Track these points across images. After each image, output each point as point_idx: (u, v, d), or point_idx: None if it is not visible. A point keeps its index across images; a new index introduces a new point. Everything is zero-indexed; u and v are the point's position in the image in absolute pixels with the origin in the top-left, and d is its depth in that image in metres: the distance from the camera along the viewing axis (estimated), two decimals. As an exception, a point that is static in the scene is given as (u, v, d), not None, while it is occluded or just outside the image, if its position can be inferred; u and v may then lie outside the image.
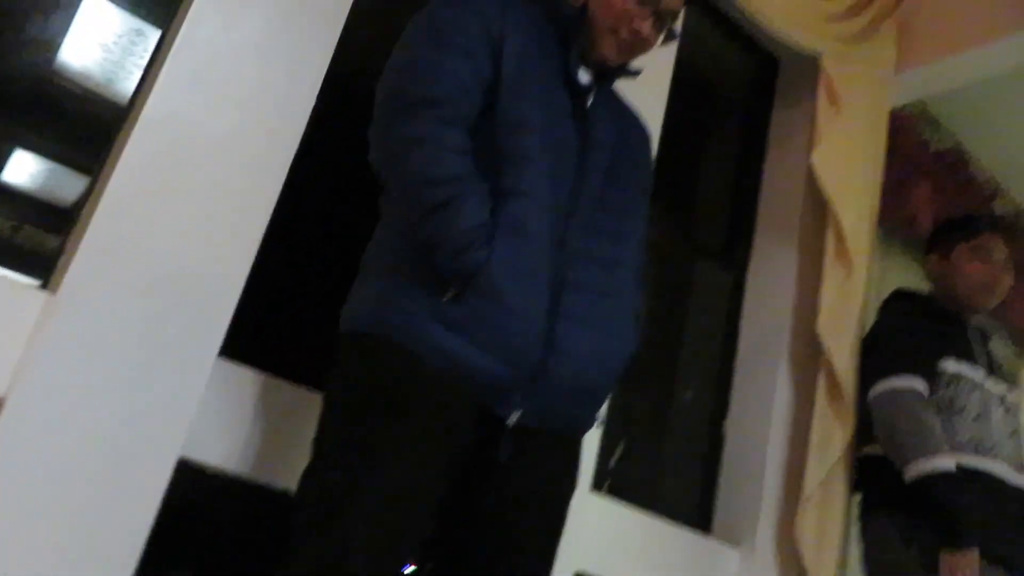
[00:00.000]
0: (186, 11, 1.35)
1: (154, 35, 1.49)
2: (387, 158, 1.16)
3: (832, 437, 2.05)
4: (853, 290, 2.17)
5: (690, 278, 2.50)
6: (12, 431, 1.10)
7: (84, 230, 1.21)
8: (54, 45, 1.45)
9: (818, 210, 2.32)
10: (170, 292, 1.25)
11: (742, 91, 2.71)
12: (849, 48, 2.35)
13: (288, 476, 1.17)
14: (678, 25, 1.40)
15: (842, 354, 2.10)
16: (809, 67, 2.41)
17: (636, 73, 1.39)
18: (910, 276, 2.81)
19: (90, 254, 1.19)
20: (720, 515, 2.18)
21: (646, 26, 1.31)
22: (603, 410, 1.28)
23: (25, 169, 1.46)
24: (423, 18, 1.23)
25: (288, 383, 1.39)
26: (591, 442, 1.73)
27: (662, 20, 1.33)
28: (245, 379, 1.35)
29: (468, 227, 1.08)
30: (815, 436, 2.07)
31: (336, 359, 1.17)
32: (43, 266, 1.30)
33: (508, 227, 1.11)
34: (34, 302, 1.16)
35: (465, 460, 1.13)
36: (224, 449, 1.31)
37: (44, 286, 1.25)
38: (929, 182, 2.92)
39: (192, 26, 1.33)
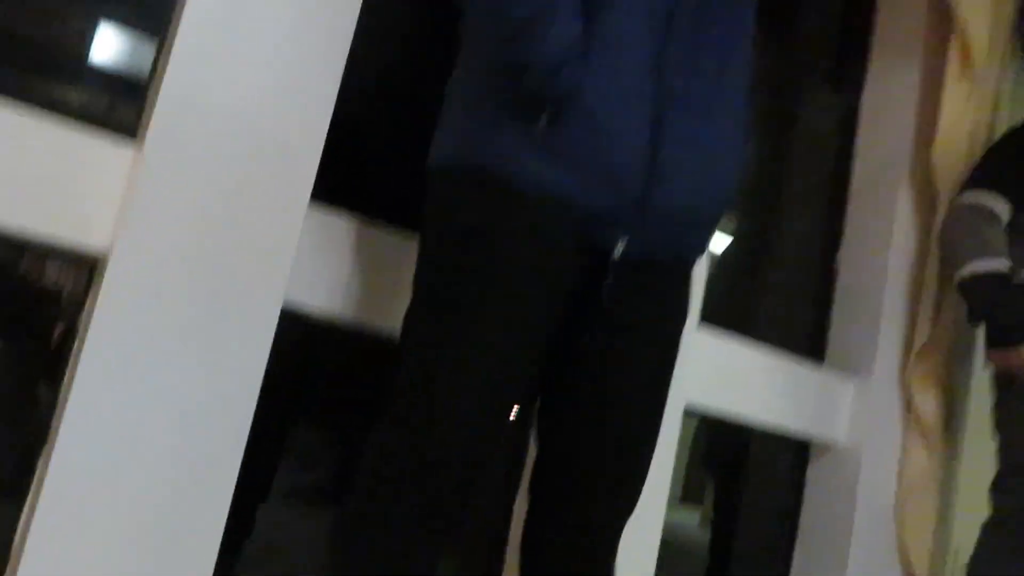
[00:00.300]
0: None
1: None
2: None
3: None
4: (976, 112, 1.94)
5: (799, 100, 2.30)
6: (118, 284, 1.10)
7: (161, 79, 1.16)
8: None
9: (945, 24, 2.04)
10: (255, 136, 1.20)
11: None
12: None
13: (392, 319, 1.15)
14: None
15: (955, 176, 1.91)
16: None
17: None
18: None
19: (169, 104, 1.15)
20: (833, 346, 2.10)
21: None
22: (711, 239, 1.20)
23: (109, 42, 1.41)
24: None
25: (384, 226, 1.35)
26: (699, 273, 1.65)
27: None
28: (340, 224, 1.32)
29: (558, 45, 0.98)
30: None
31: (427, 197, 1.11)
32: (130, 121, 1.26)
33: (602, 41, 1.00)
34: (123, 158, 1.14)
35: (569, 295, 1.08)
36: (326, 296, 1.30)
37: (131, 140, 1.22)
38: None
39: None
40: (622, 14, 1.02)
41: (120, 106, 1.39)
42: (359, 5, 1.30)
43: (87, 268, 1.19)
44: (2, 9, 1.28)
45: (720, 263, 2.16)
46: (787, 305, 2.21)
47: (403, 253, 1.26)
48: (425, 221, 1.12)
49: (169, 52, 1.17)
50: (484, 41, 1.10)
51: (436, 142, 1.13)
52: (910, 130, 2.10)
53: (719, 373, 1.80)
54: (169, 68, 1.15)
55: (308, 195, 1.25)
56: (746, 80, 1.22)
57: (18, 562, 1.03)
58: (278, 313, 1.21)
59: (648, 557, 1.62)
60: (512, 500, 1.51)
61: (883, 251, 2.06)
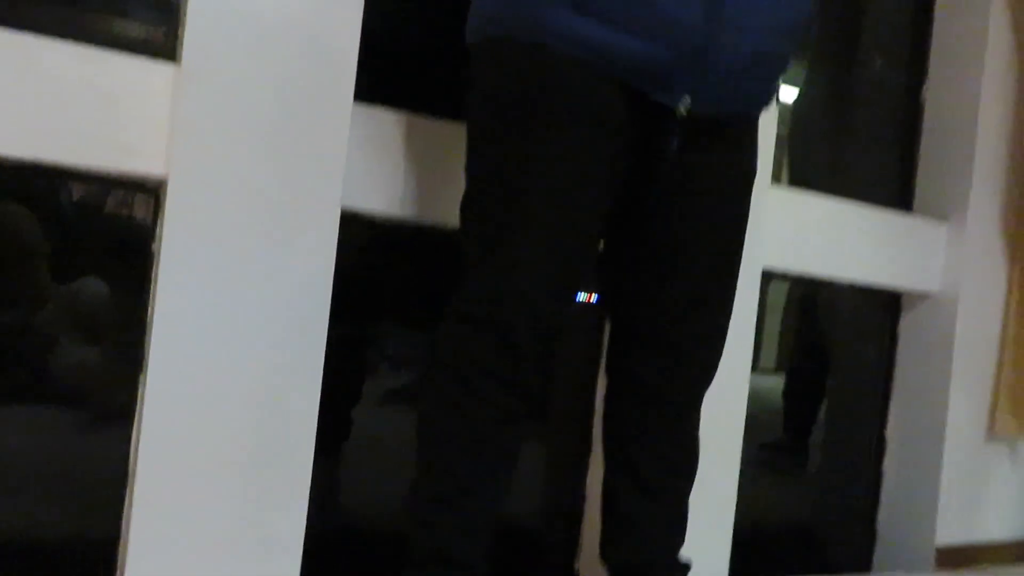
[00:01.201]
0: None
1: None
2: None
3: None
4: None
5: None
6: (180, 207, 1.12)
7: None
8: None
9: None
10: (288, 42, 1.17)
11: None
12: None
13: (450, 211, 1.13)
14: None
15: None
16: None
17: None
18: None
19: (201, 19, 1.12)
20: (922, 191, 1.98)
21: None
22: (780, 85, 1.12)
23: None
24: None
25: (435, 119, 1.32)
26: (768, 128, 1.55)
27: None
28: (388, 120, 1.29)
29: None
30: None
31: (469, 76, 1.07)
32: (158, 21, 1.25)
33: None
34: (164, 80, 1.13)
35: (630, 155, 1.03)
36: (383, 195, 1.29)
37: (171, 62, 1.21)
38: None
39: None
40: None
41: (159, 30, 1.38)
42: None
43: (152, 195, 1.22)
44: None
45: (793, 110, 2.03)
46: (870, 151, 2.07)
47: (454, 142, 1.23)
48: (469, 101, 1.08)
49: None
50: None
51: (472, 14, 1.08)
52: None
53: (797, 233, 1.72)
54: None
55: (351, 95, 1.22)
56: None
57: (134, 479, 1.11)
58: (338, 215, 1.21)
59: (735, 425, 1.62)
60: (593, 379, 1.51)
61: (975, 77, 1.89)
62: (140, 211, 1.40)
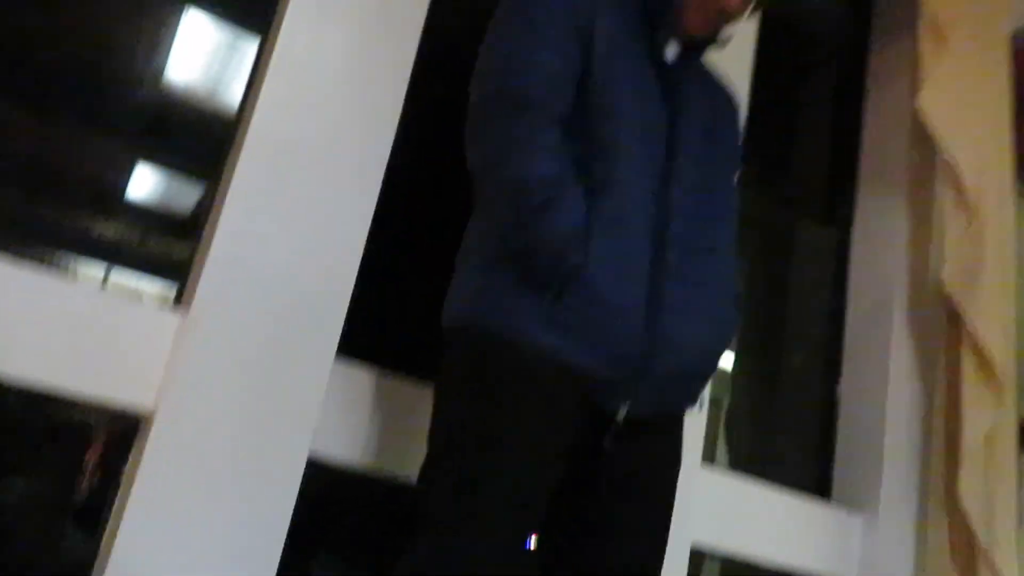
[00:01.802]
0: (280, 21, 1.41)
1: (253, 42, 1.54)
2: (483, 159, 1.18)
3: (981, 403, 1.94)
4: (982, 237, 2.02)
5: (792, 237, 2.43)
6: (162, 443, 1.20)
7: (208, 248, 1.29)
8: (162, 63, 1.54)
9: (927, 155, 2.19)
10: (287, 301, 1.32)
11: (835, 32, 2.58)
12: (952, -26, 2.18)
13: (412, 467, 1.23)
14: None
15: (978, 308, 1.97)
16: (907, 1, 2.26)
17: (726, 42, 1.35)
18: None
19: (215, 271, 1.28)
20: (839, 481, 2.13)
21: (737, 4, 1.27)
22: (706, 391, 1.28)
23: (148, 181, 1.57)
24: (511, 8, 1.23)
25: (404, 377, 1.45)
26: (699, 416, 1.73)
27: None
28: (363, 377, 1.41)
29: (564, 231, 1.08)
30: (966, 400, 1.96)
31: (443, 353, 1.20)
32: (171, 271, 1.41)
33: (605, 222, 1.11)
34: (170, 321, 1.26)
35: (573, 450, 1.15)
36: (349, 445, 1.38)
37: (178, 298, 1.35)
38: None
39: (286, 41, 1.39)
40: (623, 194, 1.14)
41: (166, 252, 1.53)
42: (383, 169, 1.45)
43: (132, 421, 1.30)
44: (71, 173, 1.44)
45: (723, 403, 2.24)
46: (793, 442, 2.26)
47: (423, 402, 1.35)
48: (440, 376, 1.21)
49: (217, 216, 1.31)
50: (496, 214, 1.20)
51: (450, 299, 1.23)
52: (903, 262, 2.20)
53: (725, 512, 1.84)
54: (216, 233, 1.29)
55: (334, 351, 1.35)
56: (734, 247, 1.35)
57: None
58: (304, 463, 1.30)
59: None
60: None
61: (882, 381, 2.12)
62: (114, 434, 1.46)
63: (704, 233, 1.23)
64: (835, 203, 2.43)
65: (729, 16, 1.30)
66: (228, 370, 1.25)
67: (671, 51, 1.28)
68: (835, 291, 2.34)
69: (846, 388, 2.22)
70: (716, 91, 1.42)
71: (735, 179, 1.40)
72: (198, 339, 1.24)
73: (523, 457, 1.09)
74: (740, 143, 1.45)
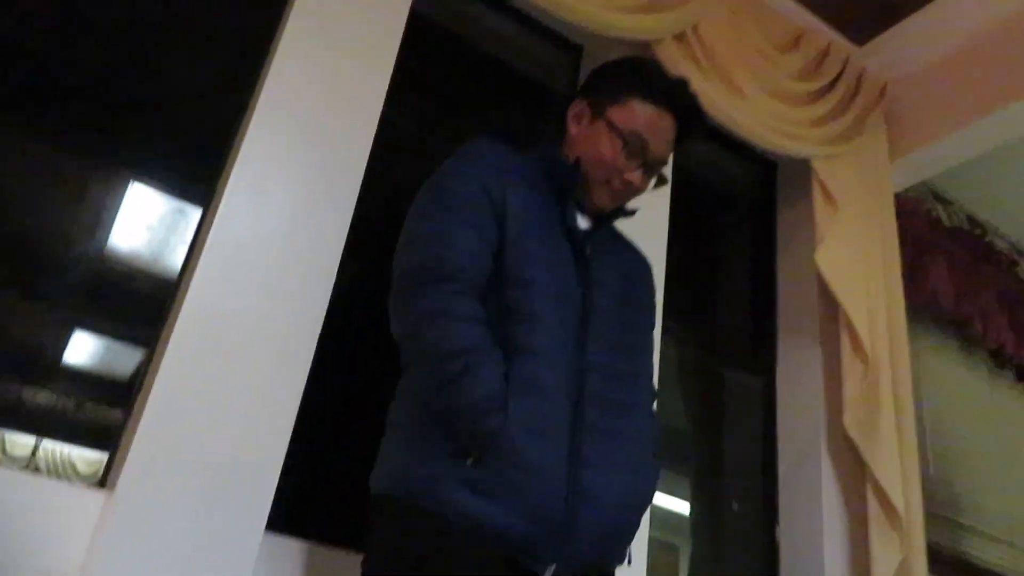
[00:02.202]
0: (221, 194, 1.50)
1: (195, 213, 1.63)
2: (405, 331, 1.24)
3: (886, 543, 2.00)
4: (880, 384, 2.15)
5: (721, 387, 2.52)
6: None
7: (138, 421, 1.31)
8: (105, 232, 1.60)
9: (833, 307, 2.35)
10: (216, 476, 1.33)
11: (746, 197, 2.81)
12: (838, 147, 2.44)
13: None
14: (667, 170, 1.48)
15: (876, 451, 2.07)
16: (805, 168, 2.50)
17: (632, 213, 1.47)
18: (943, 358, 2.79)
19: (144, 446, 1.30)
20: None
21: (636, 176, 1.40)
22: (632, 547, 1.30)
23: (85, 349, 1.59)
24: (430, 190, 1.33)
25: (333, 548, 1.45)
26: (639, 567, 1.72)
27: (652, 168, 1.43)
28: (292, 550, 1.41)
29: (483, 396, 1.13)
30: (873, 540, 2.02)
31: (369, 522, 1.22)
32: (105, 438, 1.41)
33: (522, 387, 1.16)
34: (94, 502, 1.26)
35: None
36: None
37: (107, 470, 1.34)
38: (946, 259, 2.95)
39: (224, 214, 1.48)
40: (539, 360, 1.19)
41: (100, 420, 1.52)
42: (314, 344, 1.50)
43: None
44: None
45: (680, 549, 2.24)
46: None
47: (354, 572, 1.34)
48: (367, 546, 1.21)
49: (146, 399, 1.33)
50: (418, 382, 1.25)
51: (376, 469, 1.25)
52: (821, 408, 2.30)
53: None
54: (145, 414, 1.31)
55: (263, 526, 1.35)
56: (652, 402, 1.41)
57: None
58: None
59: None
60: None
61: (817, 520, 2.16)
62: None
63: (622, 391, 1.29)
64: (759, 352, 2.55)
65: (633, 191, 1.43)
66: (154, 548, 1.25)
67: (582, 222, 1.40)
68: (765, 435, 2.42)
69: (784, 531, 2.25)
70: (627, 254, 1.53)
71: (651, 339, 1.49)
72: (123, 517, 1.24)
73: None
74: (653, 303, 1.54)
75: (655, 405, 1.43)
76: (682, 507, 2.31)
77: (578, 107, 1.47)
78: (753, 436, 2.45)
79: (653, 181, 1.47)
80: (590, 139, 1.42)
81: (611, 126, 1.40)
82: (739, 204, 2.82)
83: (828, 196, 2.36)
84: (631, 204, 1.48)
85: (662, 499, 2.23)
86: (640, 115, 1.40)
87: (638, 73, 1.45)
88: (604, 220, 1.45)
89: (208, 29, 1.82)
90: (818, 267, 2.26)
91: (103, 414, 1.53)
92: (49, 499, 1.23)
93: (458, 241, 1.24)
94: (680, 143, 1.47)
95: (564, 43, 2.32)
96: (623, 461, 1.24)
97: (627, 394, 1.31)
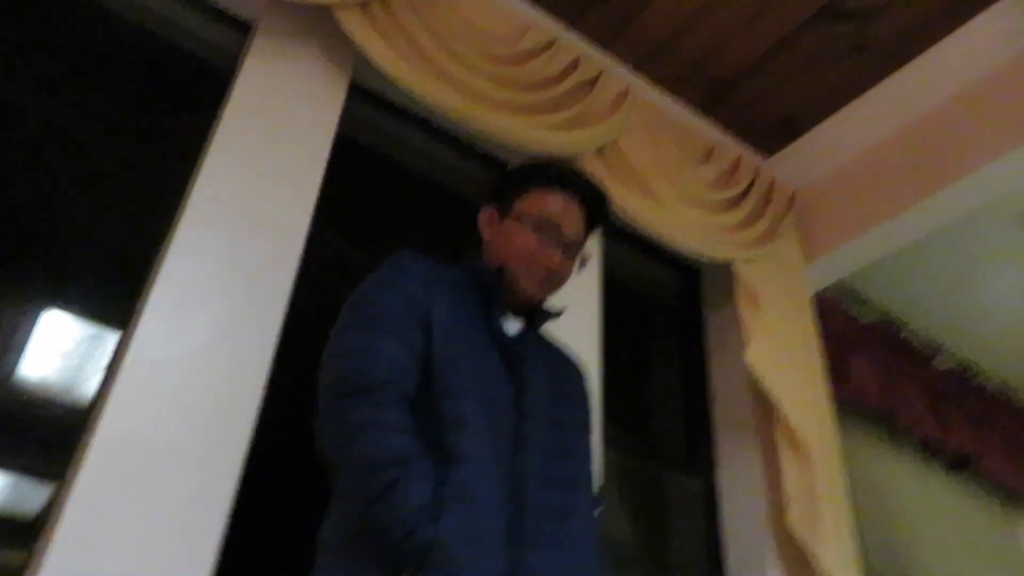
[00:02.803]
0: (139, 317, 1.46)
1: (112, 337, 1.58)
2: (332, 445, 1.20)
3: None
4: (817, 478, 2.17)
5: (663, 491, 2.51)
6: None
7: (41, 562, 1.21)
8: (13, 359, 1.53)
9: (767, 404, 2.39)
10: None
11: (673, 302, 2.89)
12: (756, 251, 2.55)
13: None
14: (590, 250, 1.53)
15: (824, 547, 2.06)
16: (728, 273, 2.58)
17: (559, 313, 1.50)
18: (873, 451, 2.84)
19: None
20: None
21: (556, 258, 1.43)
22: None
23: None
24: (353, 304, 1.33)
25: None
26: None
27: (569, 250, 1.46)
28: None
29: (414, 507, 1.10)
30: None
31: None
32: None
33: (455, 495, 1.13)
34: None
35: None
36: None
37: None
38: (866, 354, 3.05)
39: (142, 340, 1.43)
40: (470, 467, 1.17)
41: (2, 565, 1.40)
42: (239, 470, 1.44)
43: None
44: None
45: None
46: None
47: None
48: None
49: (52, 533, 1.24)
50: (348, 497, 1.22)
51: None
52: (763, 503, 2.30)
53: None
54: (54, 540, 1.22)
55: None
56: (594, 507, 1.39)
57: None
58: None
59: None
60: None
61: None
62: None
63: (560, 496, 1.27)
64: (697, 454, 2.56)
65: (558, 278, 1.45)
66: None
67: (512, 326, 1.41)
68: (708, 537, 2.40)
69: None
70: (559, 359, 1.54)
71: (589, 440, 1.48)
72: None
73: None
74: (589, 407, 1.54)
75: (599, 510, 1.40)
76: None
77: (486, 213, 1.53)
78: (697, 538, 2.42)
79: (578, 265, 1.50)
80: (504, 237, 1.47)
81: (520, 217, 1.46)
82: (667, 309, 2.88)
83: (752, 297, 2.44)
84: (558, 306, 1.51)
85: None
86: (547, 200, 1.46)
87: (535, 168, 1.53)
88: (533, 322, 1.47)
89: (128, 153, 1.82)
90: (749, 365, 2.31)
91: (8, 557, 1.41)
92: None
93: (384, 351, 1.23)
94: (591, 226, 1.52)
95: (491, 161, 2.40)
96: (566, 569, 1.21)
97: (566, 499, 1.29)
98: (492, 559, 1.13)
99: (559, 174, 1.50)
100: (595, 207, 1.53)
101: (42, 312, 1.58)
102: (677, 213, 2.38)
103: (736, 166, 2.71)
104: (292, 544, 1.55)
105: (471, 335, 1.34)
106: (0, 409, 1.48)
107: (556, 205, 1.46)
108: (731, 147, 2.76)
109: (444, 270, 1.42)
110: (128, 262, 1.64)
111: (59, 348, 1.57)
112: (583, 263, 1.51)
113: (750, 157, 2.80)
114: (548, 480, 1.27)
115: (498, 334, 1.37)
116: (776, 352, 2.33)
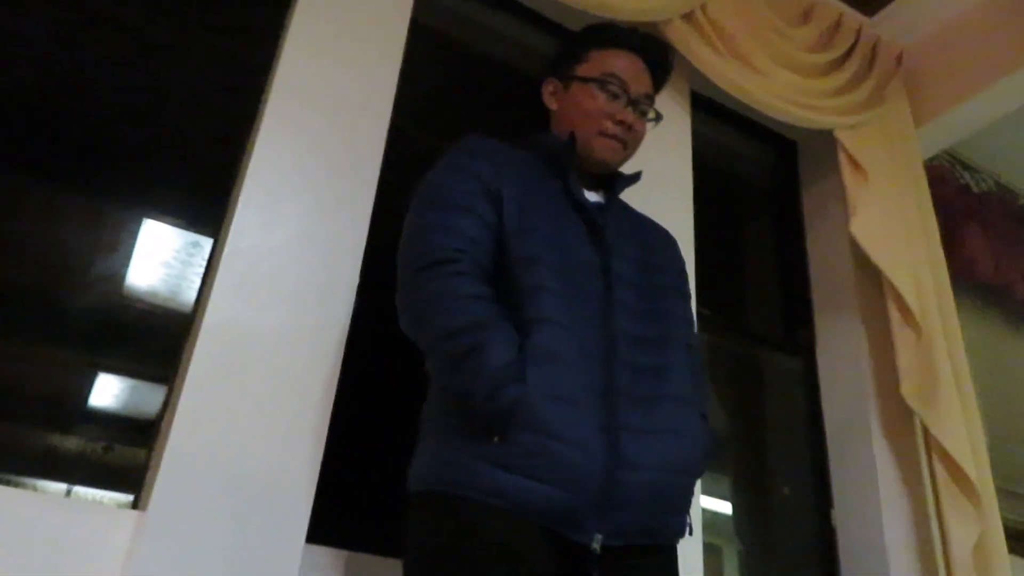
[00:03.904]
0: (232, 214, 1.47)
1: (208, 244, 1.61)
2: (413, 321, 1.20)
3: (962, 515, 1.91)
4: (932, 352, 2.07)
5: (759, 372, 2.46)
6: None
7: (164, 444, 1.27)
8: (121, 273, 1.59)
9: (873, 278, 2.29)
10: (251, 491, 1.29)
11: (768, 178, 2.76)
12: (861, 116, 2.38)
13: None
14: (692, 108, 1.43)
15: (941, 420, 1.98)
16: (827, 143, 2.44)
17: (636, 177, 1.44)
18: (983, 326, 2.70)
19: (173, 468, 1.26)
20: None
21: (628, 115, 1.39)
22: (692, 517, 1.24)
23: (109, 391, 1.56)
24: (424, 188, 1.31)
25: (375, 556, 1.39)
26: (696, 560, 1.66)
27: (639, 106, 1.41)
28: (334, 560, 1.36)
29: (496, 368, 1.08)
30: (946, 513, 1.93)
31: (407, 523, 1.17)
32: (135, 482, 1.36)
33: (540, 357, 1.11)
34: (127, 522, 1.22)
35: None
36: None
37: (135, 504, 1.31)
38: (979, 225, 2.86)
39: (236, 234, 1.45)
40: (554, 328, 1.14)
41: (129, 462, 1.49)
42: (341, 352, 1.46)
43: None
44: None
45: (722, 550, 2.17)
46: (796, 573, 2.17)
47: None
48: (406, 547, 1.16)
49: (174, 410, 1.30)
50: (434, 369, 1.22)
51: (412, 469, 1.21)
52: (869, 381, 2.22)
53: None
54: (173, 428, 1.27)
55: (303, 540, 1.31)
56: (695, 359, 1.35)
57: None
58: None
59: None
60: None
61: (874, 500, 2.08)
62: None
63: (655, 355, 1.24)
64: (795, 333, 2.48)
65: (632, 135, 1.40)
66: (190, 565, 1.20)
67: (591, 197, 1.36)
68: (809, 416, 2.35)
69: (840, 514, 2.16)
70: (646, 227, 1.49)
71: (685, 304, 1.43)
72: (156, 542, 1.20)
73: None
74: (683, 272, 1.49)
75: (699, 363, 1.36)
76: (720, 507, 2.23)
77: (550, 85, 1.50)
78: (796, 419, 2.38)
79: (652, 123, 1.45)
80: (570, 104, 1.44)
81: (584, 80, 1.42)
82: (762, 185, 2.76)
83: (856, 166, 2.29)
84: (634, 168, 1.44)
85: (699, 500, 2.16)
86: (608, 59, 1.43)
87: (591, 29, 1.50)
88: (612, 187, 1.42)
89: (207, 55, 1.81)
90: (854, 238, 2.19)
91: (131, 455, 1.50)
92: (83, 522, 1.19)
93: (457, 226, 1.21)
94: (658, 82, 1.48)
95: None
96: (663, 425, 1.18)
97: (661, 357, 1.25)
98: (584, 418, 1.11)
99: (616, 32, 1.46)
100: (658, 60, 1.48)
101: (142, 224, 1.62)
102: (774, 79, 2.23)
103: (837, 26, 2.51)
104: (398, 421, 1.58)
105: (548, 206, 1.31)
106: (114, 319, 1.54)
107: (618, 62, 1.42)
108: (831, 5, 2.55)
109: (512, 149, 1.38)
110: (219, 168, 1.65)
111: (161, 257, 1.62)
112: (657, 119, 1.45)
113: (852, 15, 2.59)
114: (639, 340, 1.24)
115: (577, 200, 1.33)
116: (885, 223, 2.20)
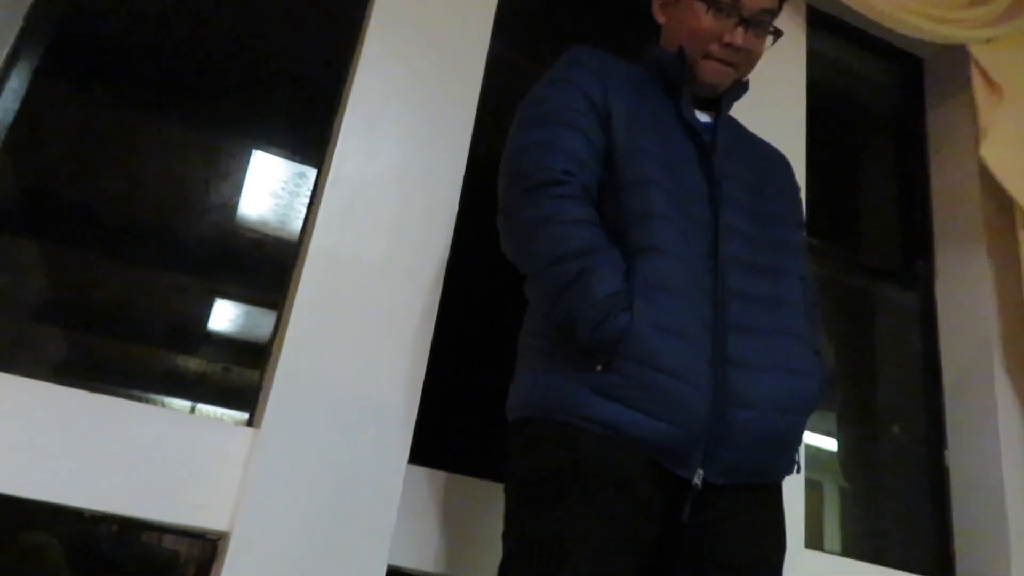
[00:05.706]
0: (336, 141, 1.50)
1: (313, 175, 1.65)
2: (516, 243, 1.17)
3: None
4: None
5: (872, 305, 2.34)
6: (240, 562, 1.21)
7: (275, 367, 1.34)
8: (232, 203, 1.65)
9: (1003, 207, 2.12)
10: (356, 412, 1.34)
11: (889, 99, 2.57)
12: (998, 29, 2.16)
13: (488, 572, 1.20)
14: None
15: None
16: (958, 59, 2.25)
17: (744, 88, 1.34)
18: None
19: (283, 389, 1.32)
20: (962, 558, 1.95)
21: (738, 36, 1.26)
22: (800, 455, 1.20)
23: (226, 315, 1.65)
24: (529, 102, 1.26)
25: (476, 479, 1.44)
26: (798, 495, 1.63)
27: (752, 23, 1.28)
28: (436, 482, 1.41)
29: (603, 296, 1.05)
30: None
31: (508, 449, 1.18)
32: (250, 401, 1.45)
33: (648, 285, 1.08)
34: (243, 438, 1.30)
35: (658, 525, 1.09)
36: (425, 552, 1.36)
37: (250, 421, 1.39)
38: None
39: (338, 164, 1.48)
40: (663, 257, 1.10)
41: (246, 383, 1.58)
42: (442, 277, 1.49)
43: (211, 541, 1.32)
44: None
45: (823, 486, 2.12)
46: (903, 518, 2.10)
47: (497, 501, 1.32)
48: (507, 473, 1.17)
49: (284, 333, 1.36)
50: (538, 294, 1.18)
51: (511, 395, 1.21)
52: (994, 313, 2.09)
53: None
54: (283, 350, 1.33)
55: (406, 459, 1.36)
56: (809, 294, 1.28)
57: None
58: (383, 574, 1.28)
59: None
60: None
61: (993, 442, 1.98)
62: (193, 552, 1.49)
63: (768, 286, 1.19)
64: (913, 266, 2.35)
65: (743, 56, 1.29)
66: (301, 485, 1.27)
67: (701, 117, 1.30)
68: (925, 353, 2.23)
69: (955, 455, 2.07)
70: (760, 149, 1.41)
71: (799, 233, 1.36)
72: (269, 457, 1.27)
73: (597, 549, 1.03)
74: (797, 199, 1.41)
75: (813, 296, 1.30)
76: (820, 441, 2.16)
77: None
78: (910, 356, 2.26)
79: (770, 40, 1.31)
80: (679, 19, 1.32)
81: None
82: (881, 108, 2.57)
83: (991, 84, 2.10)
84: (749, 76, 1.34)
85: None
86: None
87: None
88: (723, 105, 1.32)
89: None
90: (984, 163, 2.02)
91: (247, 376, 1.58)
92: (203, 437, 1.28)
93: (562, 145, 1.16)
94: None
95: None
96: (775, 360, 1.13)
97: (774, 288, 1.19)
98: (693, 348, 1.08)
99: None
100: None
101: (252, 153, 1.67)
102: (899, -12, 2.05)
103: (974, -74, 2.26)
104: (498, 347, 1.60)
105: (656, 124, 1.24)
106: (227, 248, 1.61)
107: None
108: (968, -97, 2.30)
109: (620, 63, 1.31)
110: (322, 99, 1.67)
111: (270, 188, 1.66)
112: (776, 35, 1.32)
113: (993, -87, 2.32)
114: (752, 269, 1.18)
115: (686, 119, 1.26)
116: (1021, 147, 2.01)
